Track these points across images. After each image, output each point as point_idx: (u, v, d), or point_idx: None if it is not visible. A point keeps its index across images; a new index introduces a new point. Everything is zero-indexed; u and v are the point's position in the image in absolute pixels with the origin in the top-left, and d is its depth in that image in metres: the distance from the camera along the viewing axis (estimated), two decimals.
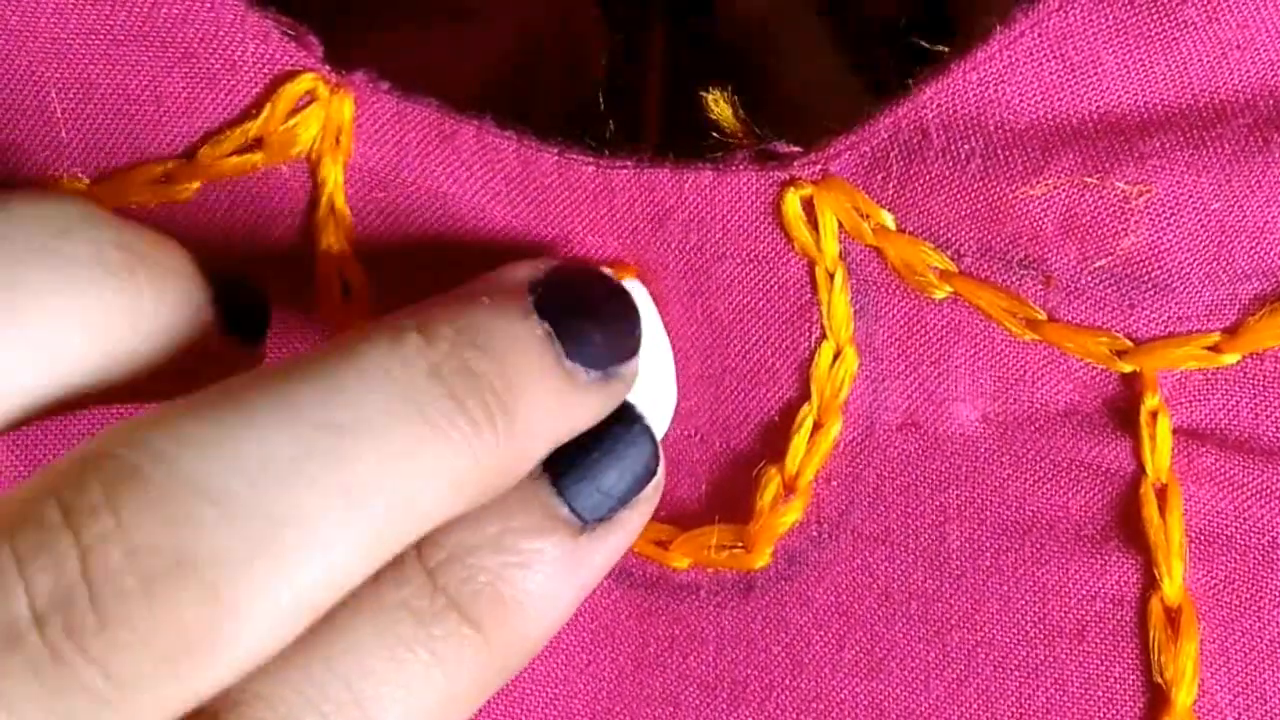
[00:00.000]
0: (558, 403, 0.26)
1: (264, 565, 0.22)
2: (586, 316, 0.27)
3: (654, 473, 0.28)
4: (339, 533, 0.23)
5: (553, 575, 0.26)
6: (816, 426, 0.30)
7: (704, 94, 0.29)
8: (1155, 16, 0.27)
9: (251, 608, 0.22)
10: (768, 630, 0.30)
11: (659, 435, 0.29)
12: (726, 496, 0.30)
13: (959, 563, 0.30)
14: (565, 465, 0.27)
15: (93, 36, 0.28)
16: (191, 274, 0.27)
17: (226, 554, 0.22)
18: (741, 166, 0.29)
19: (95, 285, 0.25)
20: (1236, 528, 0.29)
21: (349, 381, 0.24)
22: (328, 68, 0.29)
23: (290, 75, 0.29)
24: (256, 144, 0.29)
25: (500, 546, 0.26)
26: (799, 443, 0.30)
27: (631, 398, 0.28)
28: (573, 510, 0.26)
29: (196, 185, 0.29)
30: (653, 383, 0.29)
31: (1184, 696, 0.29)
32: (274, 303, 0.29)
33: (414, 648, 0.25)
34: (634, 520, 0.27)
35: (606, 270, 0.29)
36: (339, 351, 0.24)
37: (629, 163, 0.29)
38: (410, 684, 0.24)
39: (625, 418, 0.28)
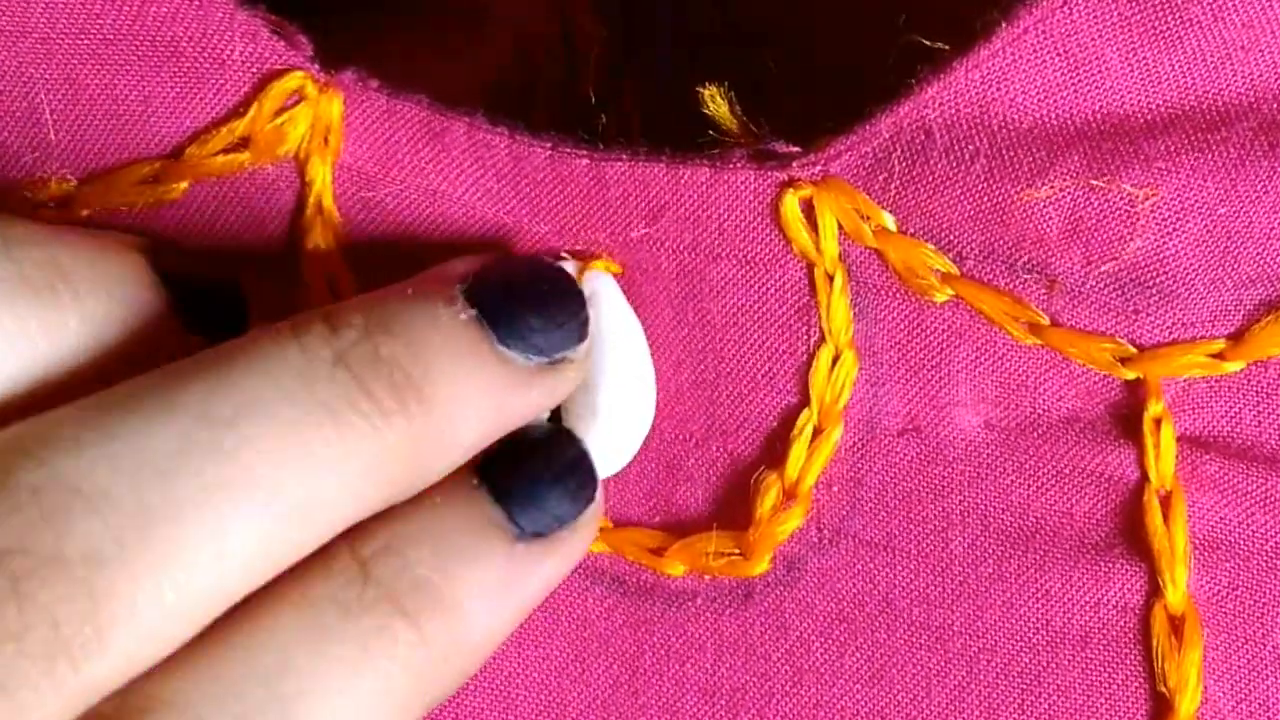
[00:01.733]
0: (489, 389, 0.25)
1: (142, 560, 0.22)
2: (521, 301, 0.26)
3: (593, 498, 0.27)
4: (228, 525, 0.23)
5: (493, 582, 0.25)
6: (816, 432, 0.29)
7: (700, 90, 0.28)
8: (1160, 14, 0.27)
9: (130, 604, 0.22)
10: (767, 637, 0.30)
11: (638, 438, 0.29)
12: (725, 503, 0.30)
13: (961, 569, 0.29)
14: (505, 479, 0.26)
15: (81, 36, 0.28)
16: (135, 280, 0.26)
17: (99, 551, 0.22)
18: (739, 165, 0.28)
19: (9, 304, 0.25)
20: (1240, 535, 0.29)
21: (238, 374, 0.24)
22: (317, 66, 0.28)
23: (278, 74, 0.28)
24: (244, 143, 0.29)
25: (439, 544, 0.25)
26: (799, 449, 0.29)
27: (604, 397, 0.28)
28: (512, 520, 0.26)
29: (185, 185, 0.29)
30: (627, 382, 0.28)
31: (1187, 704, 0.28)
32: (261, 303, 0.29)
33: (342, 641, 0.24)
34: (573, 543, 0.27)
35: (567, 263, 0.29)
36: (236, 345, 0.24)
37: (624, 156, 0.28)
38: (338, 682, 0.24)
39: (566, 441, 0.27)
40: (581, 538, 0.27)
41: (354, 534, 0.25)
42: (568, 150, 0.28)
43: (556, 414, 0.29)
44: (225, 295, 0.28)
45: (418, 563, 0.25)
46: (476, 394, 0.25)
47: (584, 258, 0.29)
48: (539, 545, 0.26)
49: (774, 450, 0.29)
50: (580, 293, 0.27)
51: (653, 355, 0.29)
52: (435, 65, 0.36)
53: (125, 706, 0.22)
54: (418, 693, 0.25)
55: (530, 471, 0.27)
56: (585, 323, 0.27)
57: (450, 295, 0.26)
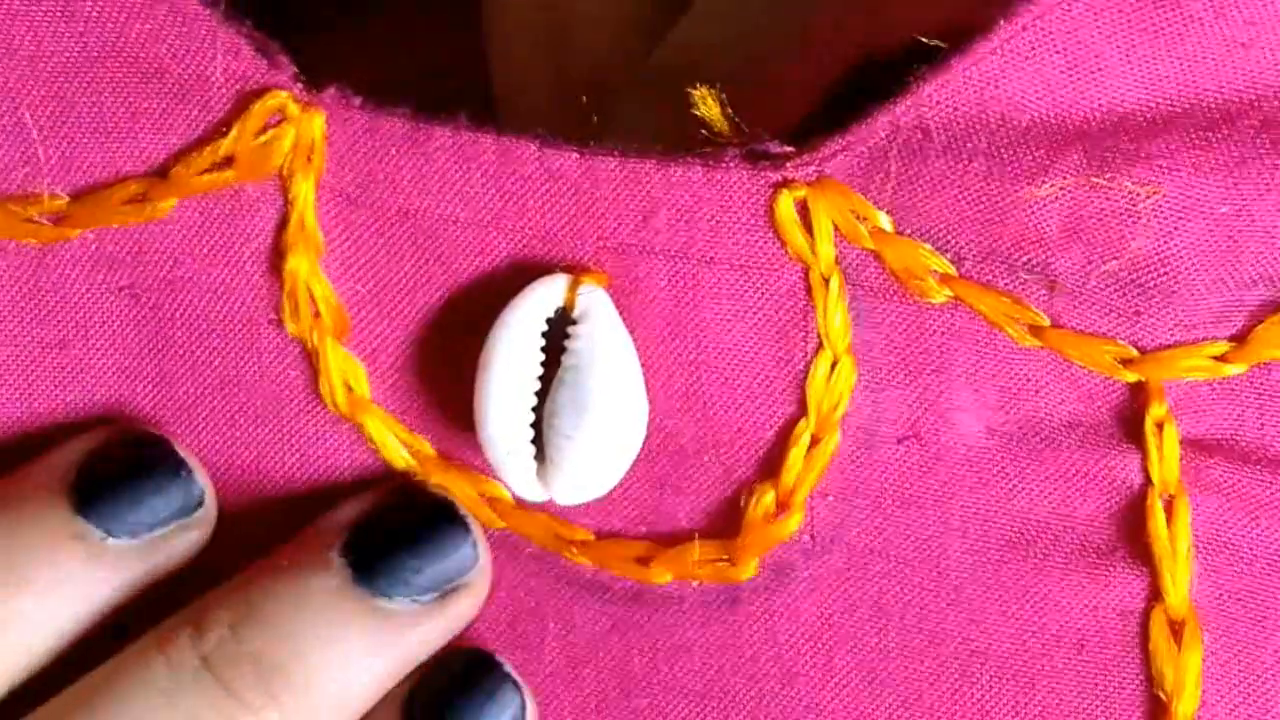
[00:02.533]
0: (371, 648, 0.26)
1: None
2: (401, 546, 0.27)
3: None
4: None
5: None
6: (814, 441, 0.29)
7: (690, 90, 0.28)
8: (1160, 11, 0.27)
9: None
10: (756, 641, 0.29)
11: (627, 460, 0.28)
12: (717, 515, 0.29)
13: (958, 575, 0.29)
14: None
15: (67, 54, 0.28)
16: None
17: None
18: (732, 164, 0.28)
19: None
20: (1243, 539, 0.29)
21: (108, 706, 0.25)
22: (299, 85, 0.28)
23: (260, 92, 0.28)
24: (228, 162, 0.29)
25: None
26: (795, 458, 0.29)
27: (594, 419, 0.27)
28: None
29: (172, 203, 0.29)
30: (617, 403, 0.28)
31: (1184, 708, 0.28)
32: (242, 323, 0.29)
33: None
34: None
35: (558, 277, 0.28)
36: (107, 674, 0.26)
37: (614, 154, 0.28)
38: None
39: (494, 671, 0.28)
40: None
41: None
42: (556, 146, 0.28)
43: (540, 439, 0.28)
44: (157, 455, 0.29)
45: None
46: (357, 657, 0.26)
47: (575, 271, 0.28)
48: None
49: (769, 460, 0.29)
50: (465, 519, 0.28)
51: (644, 367, 0.29)
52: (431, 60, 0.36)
53: None
54: None
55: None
56: (474, 546, 0.28)
57: (324, 561, 0.27)
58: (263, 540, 0.29)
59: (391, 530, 0.27)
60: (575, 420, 0.27)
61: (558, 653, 0.29)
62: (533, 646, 0.29)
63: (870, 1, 0.31)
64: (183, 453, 0.29)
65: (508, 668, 0.29)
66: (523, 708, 0.29)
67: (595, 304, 0.28)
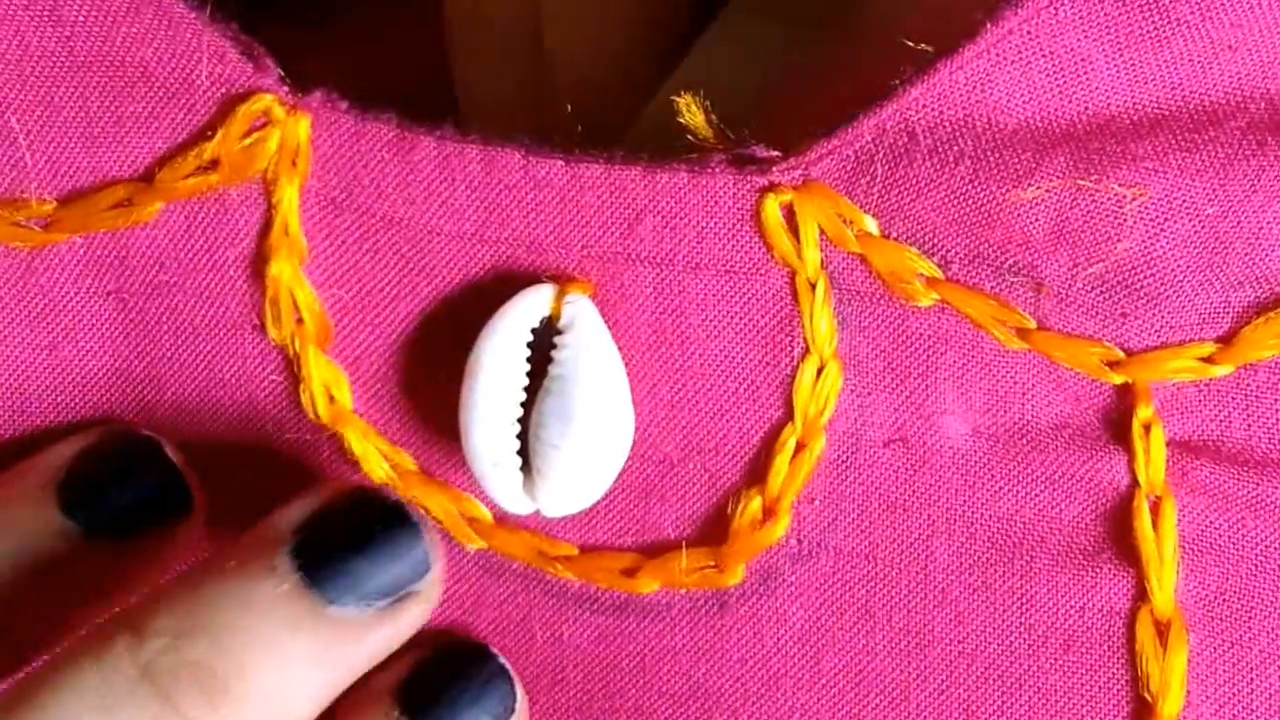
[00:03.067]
0: (317, 656, 0.25)
1: None
2: (350, 551, 0.26)
3: (513, 710, 0.29)
4: None
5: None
6: (799, 447, 0.29)
7: (675, 99, 0.28)
8: (1146, 14, 0.27)
9: None
10: (743, 643, 0.29)
11: (613, 472, 0.28)
12: (704, 522, 0.29)
13: (945, 577, 0.29)
14: (426, 708, 0.28)
15: (52, 58, 0.28)
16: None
17: None
18: (718, 169, 0.28)
19: None
20: (1229, 540, 0.29)
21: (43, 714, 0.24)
22: (285, 88, 0.28)
23: (245, 96, 0.28)
24: (213, 165, 0.28)
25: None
26: (780, 464, 0.29)
27: (579, 429, 0.27)
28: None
29: (157, 207, 0.29)
30: (602, 414, 0.28)
31: (1169, 708, 0.28)
32: (226, 329, 0.29)
33: None
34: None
35: (544, 286, 0.28)
36: (36, 686, 0.24)
37: (600, 160, 0.28)
38: None
39: (488, 662, 0.28)
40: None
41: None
42: (541, 153, 0.28)
43: (526, 450, 0.28)
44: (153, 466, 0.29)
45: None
46: (302, 666, 0.25)
47: (561, 280, 0.28)
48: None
49: (755, 467, 0.29)
50: (417, 524, 0.27)
51: (629, 377, 0.29)
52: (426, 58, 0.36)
53: None
54: None
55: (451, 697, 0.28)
56: (426, 553, 0.27)
57: (269, 565, 0.26)
58: None
59: (342, 533, 0.26)
60: (562, 430, 0.27)
61: (544, 661, 0.30)
62: (516, 651, 0.30)
63: (858, 67, 0.31)
64: (172, 454, 0.29)
65: (500, 659, 0.29)
66: (514, 698, 0.29)
67: (581, 313, 0.28)
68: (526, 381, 0.28)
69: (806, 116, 0.28)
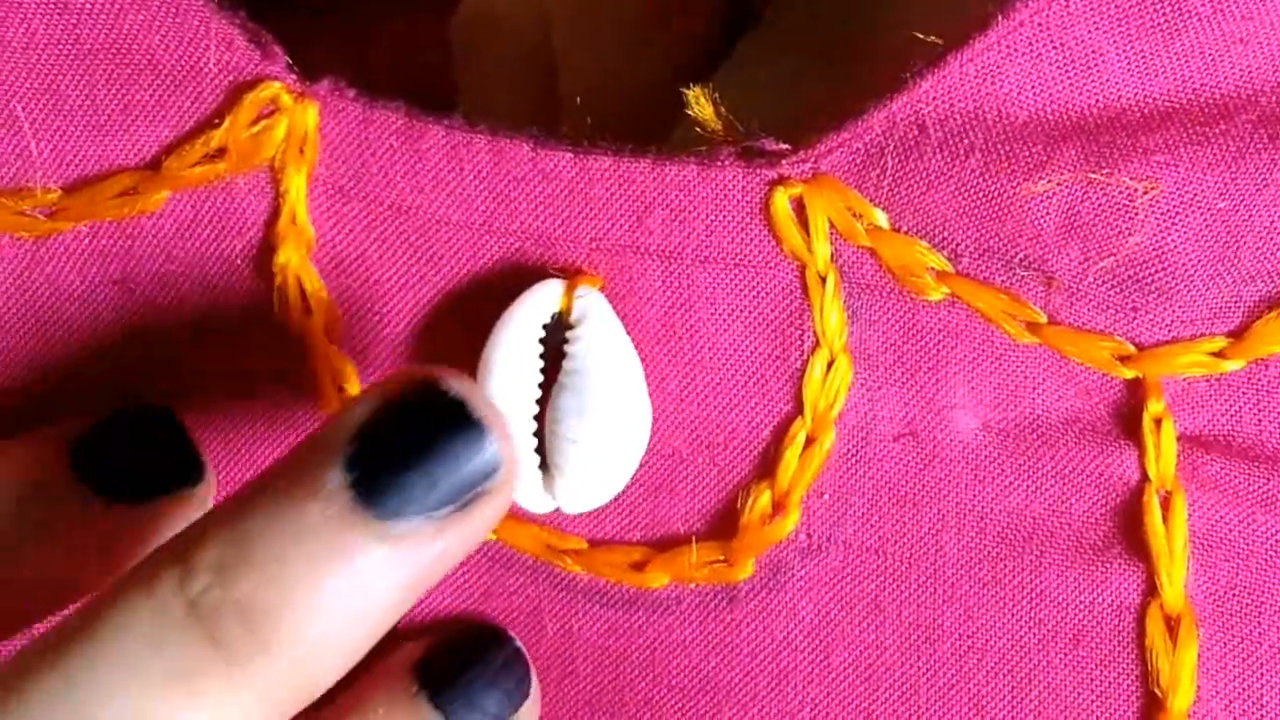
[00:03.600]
0: (379, 580, 0.23)
1: None
2: (412, 460, 0.23)
3: (527, 694, 0.28)
4: None
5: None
6: (809, 441, 0.29)
7: (684, 91, 0.28)
8: (1157, 6, 0.27)
9: None
10: (752, 638, 0.29)
11: (631, 466, 0.28)
12: (713, 516, 0.29)
13: (954, 571, 0.29)
14: (444, 685, 0.27)
15: (59, 46, 0.28)
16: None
17: None
18: (727, 162, 0.28)
19: None
20: (1239, 535, 0.29)
21: (90, 654, 0.23)
22: (293, 76, 0.28)
23: (253, 83, 0.28)
24: (220, 153, 0.28)
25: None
26: (790, 458, 0.29)
27: (595, 424, 0.27)
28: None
29: (164, 196, 0.29)
30: (619, 408, 0.28)
31: (1179, 703, 0.28)
32: (235, 316, 0.29)
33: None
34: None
35: (553, 281, 0.27)
36: (87, 620, 0.23)
37: (609, 153, 0.28)
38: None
39: (505, 644, 0.28)
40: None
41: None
42: (550, 145, 0.28)
43: (543, 447, 0.28)
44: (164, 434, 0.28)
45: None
46: (363, 593, 0.23)
47: (570, 274, 0.28)
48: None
49: (764, 460, 0.29)
50: (481, 420, 0.24)
51: None
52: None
53: None
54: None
55: (467, 682, 0.28)
56: (495, 452, 0.24)
57: (323, 483, 0.23)
58: None
59: (399, 442, 0.23)
60: (578, 424, 0.27)
61: (554, 653, 0.29)
62: (530, 646, 0.29)
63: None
64: (185, 428, 0.29)
65: (517, 643, 0.29)
66: (528, 682, 0.29)
67: (593, 306, 0.28)
68: (540, 378, 0.28)
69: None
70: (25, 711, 0.22)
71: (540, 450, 0.28)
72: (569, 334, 0.28)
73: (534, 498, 0.28)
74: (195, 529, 0.24)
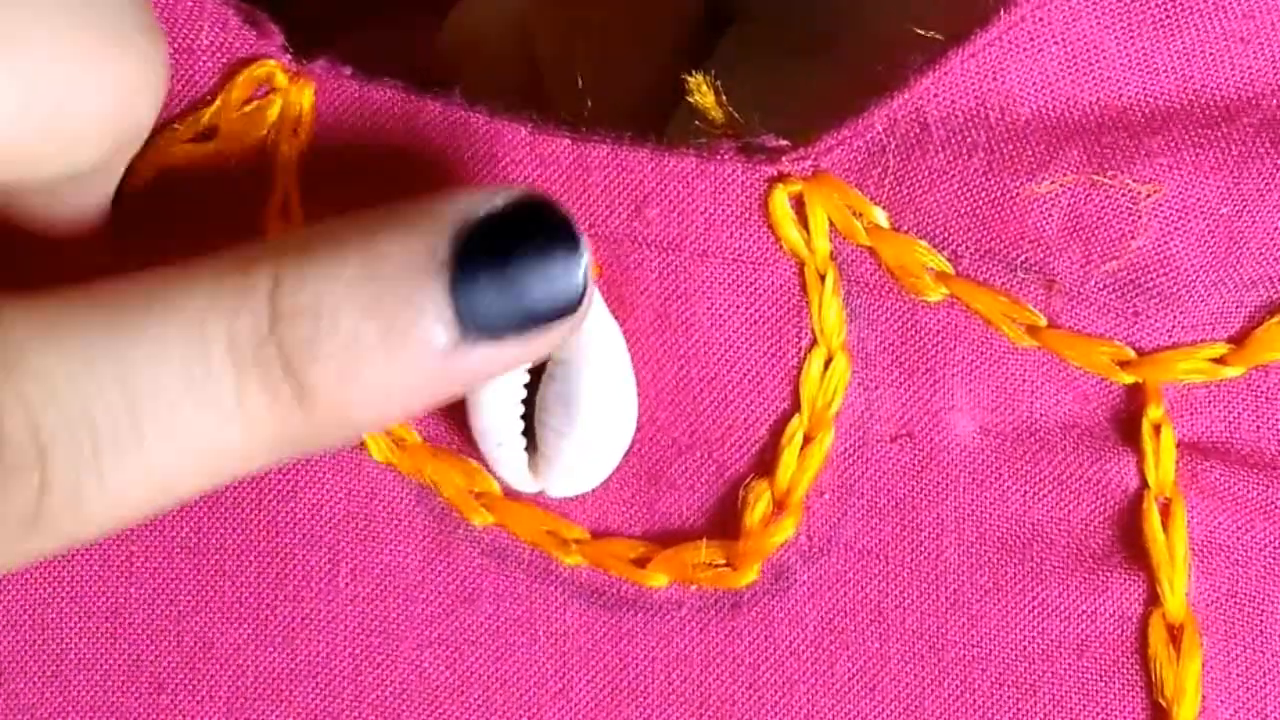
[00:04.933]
0: (439, 373, 0.23)
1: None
2: (513, 264, 0.23)
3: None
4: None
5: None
6: (807, 439, 0.28)
7: (686, 78, 0.27)
8: (1160, 3, 0.26)
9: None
10: (756, 647, 0.28)
11: (619, 450, 0.28)
12: (713, 512, 0.28)
13: (956, 578, 0.28)
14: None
15: None
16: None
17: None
18: (727, 157, 0.27)
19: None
20: (1239, 542, 0.28)
21: (162, 334, 0.23)
22: (288, 56, 0.28)
23: (247, 62, 0.27)
24: (211, 132, 0.28)
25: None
26: (789, 457, 0.28)
27: (584, 406, 0.27)
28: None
29: (151, 174, 0.28)
30: (607, 391, 0.27)
31: (1185, 713, 0.28)
32: None
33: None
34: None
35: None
36: (164, 295, 0.23)
37: (607, 141, 0.27)
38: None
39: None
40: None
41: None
42: (548, 130, 0.27)
43: (531, 416, 0.27)
44: None
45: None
46: (414, 381, 0.23)
47: None
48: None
49: (762, 457, 0.28)
50: (580, 241, 0.24)
51: (633, 359, 0.28)
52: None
53: None
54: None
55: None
56: (582, 282, 0.24)
57: (426, 254, 0.23)
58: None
59: (504, 240, 0.23)
60: (566, 417, 0.27)
61: (549, 658, 0.29)
62: (522, 650, 0.29)
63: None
64: None
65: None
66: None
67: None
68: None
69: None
70: (104, 341, 0.22)
71: (529, 433, 0.27)
72: None
73: (520, 478, 0.27)
74: (281, 249, 0.23)
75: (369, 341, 0.23)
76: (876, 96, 0.27)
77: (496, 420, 0.27)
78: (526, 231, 0.24)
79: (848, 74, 0.31)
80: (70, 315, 0.23)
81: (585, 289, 0.24)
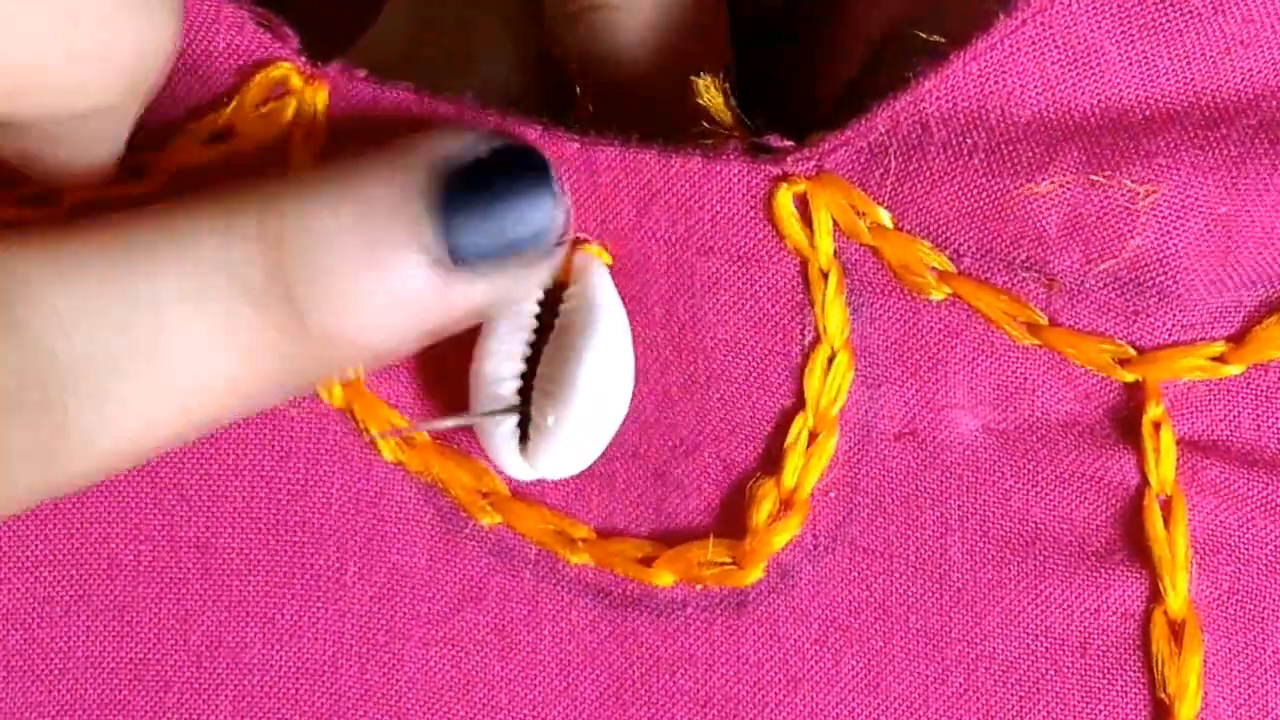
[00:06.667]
0: (431, 301, 0.24)
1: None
2: (495, 200, 0.25)
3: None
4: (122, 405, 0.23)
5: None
6: (812, 436, 0.28)
7: (694, 79, 0.28)
8: (1160, 6, 0.27)
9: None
10: (761, 646, 0.28)
11: (611, 427, 0.28)
12: (719, 510, 0.29)
13: (960, 575, 0.28)
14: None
15: None
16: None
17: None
18: (732, 157, 0.28)
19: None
20: (1240, 540, 0.29)
21: (163, 263, 0.23)
22: (303, 59, 0.28)
23: (262, 64, 0.28)
24: (227, 133, 0.28)
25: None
26: (795, 455, 0.28)
27: (583, 378, 0.27)
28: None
29: (169, 173, 0.28)
30: (606, 367, 0.27)
31: (1187, 710, 0.28)
32: None
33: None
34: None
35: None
36: (171, 212, 0.24)
37: (615, 143, 0.28)
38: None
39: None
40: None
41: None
42: (558, 133, 0.28)
43: (528, 388, 0.28)
44: None
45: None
46: (409, 308, 0.24)
47: (576, 242, 0.28)
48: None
49: (768, 455, 0.29)
50: (555, 186, 0.25)
51: (641, 354, 0.28)
52: None
53: None
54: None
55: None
56: (561, 218, 0.25)
57: (409, 199, 0.24)
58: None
59: (486, 178, 0.25)
60: (563, 376, 0.27)
61: (554, 656, 0.29)
62: (527, 648, 0.29)
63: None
64: None
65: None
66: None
67: (587, 266, 0.28)
68: (533, 338, 0.27)
69: None
70: (113, 266, 0.23)
71: (523, 409, 0.27)
72: (563, 294, 0.27)
73: (512, 459, 0.28)
74: (277, 187, 0.24)
75: (360, 262, 0.24)
76: (880, 98, 0.28)
77: (492, 398, 0.27)
78: (508, 168, 0.25)
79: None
80: (72, 248, 0.23)
81: (565, 221, 0.25)
